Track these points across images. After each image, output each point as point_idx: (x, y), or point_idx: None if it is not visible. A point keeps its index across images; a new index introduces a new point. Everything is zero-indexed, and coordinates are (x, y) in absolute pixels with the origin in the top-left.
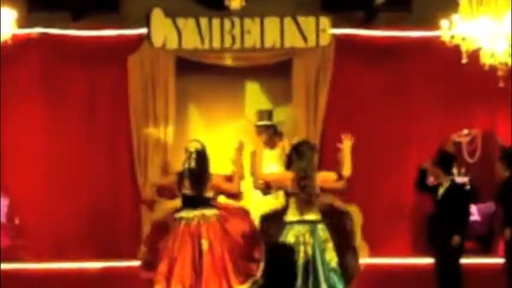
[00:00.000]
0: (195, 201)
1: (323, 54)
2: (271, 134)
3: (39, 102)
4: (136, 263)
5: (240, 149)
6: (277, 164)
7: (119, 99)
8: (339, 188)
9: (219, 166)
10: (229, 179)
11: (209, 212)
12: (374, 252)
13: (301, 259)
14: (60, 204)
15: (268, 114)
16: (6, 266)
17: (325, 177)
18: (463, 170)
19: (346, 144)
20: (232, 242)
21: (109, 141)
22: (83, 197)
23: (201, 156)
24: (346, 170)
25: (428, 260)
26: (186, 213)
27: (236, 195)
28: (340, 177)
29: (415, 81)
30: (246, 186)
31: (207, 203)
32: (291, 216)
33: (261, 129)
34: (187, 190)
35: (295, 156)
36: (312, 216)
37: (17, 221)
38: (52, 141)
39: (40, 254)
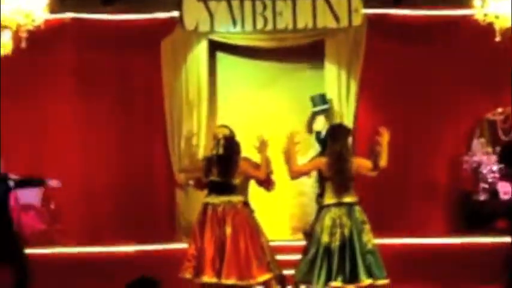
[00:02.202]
0: (222, 187)
1: (355, 34)
2: (327, 117)
3: (73, 88)
4: (171, 246)
5: (263, 144)
6: None
7: (152, 83)
8: (370, 176)
9: (249, 150)
10: (257, 166)
11: (236, 198)
12: (409, 232)
13: (338, 241)
14: (95, 189)
15: (323, 98)
16: (42, 250)
17: (361, 164)
18: (498, 149)
19: (384, 137)
20: (258, 230)
21: (143, 126)
22: (117, 181)
23: (230, 143)
24: (383, 162)
25: (464, 240)
26: (212, 199)
27: (267, 183)
28: (375, 167)
29: (448, 60)
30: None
31: (234, 189)
32: (328, 199)
33: (318, 114)
34: (214, 177)
35: (331, 139)
36: (348, 198)
37: (52, 206)
38: (86, 126)
39: (75, 238)
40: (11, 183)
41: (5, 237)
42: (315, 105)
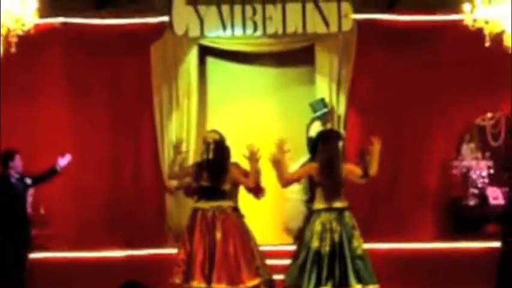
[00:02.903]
0: (212, 192)
1: (345, 39)
2: (328, 119)
3: (63, 91)
4: (160, 251)
5: (253, 154)
6: None
7: (142, 88)
8: (359, 183)
9: (239, 156)
10: (247, 173)
11: (225, 203)
12: (399, 237)
13: (327, 246)
14: (85, 194)
15: (322, 102)
16: (31, 255)
17: (351, 170)
18: (487, 154)
19: (376, 146)
20: (248, 235)
21: (133, 130)
22: (107, 186)
23: (220, 148)
24: (373, 170)
25: (454, 244)
26: (202, 204)
27: (256, 191)
28: (365, 174)
29: (438, 65)
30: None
31: (223, 194)
32: (318, 204)
33: (320, 119)
34: (204, 182)
35: (321, 145)
36: (339, 203)
37: (42, 211)
38: (76, 130)
39: (65, 243)
40: (28, 181)
41: (23, 234)
42: (315, 110)
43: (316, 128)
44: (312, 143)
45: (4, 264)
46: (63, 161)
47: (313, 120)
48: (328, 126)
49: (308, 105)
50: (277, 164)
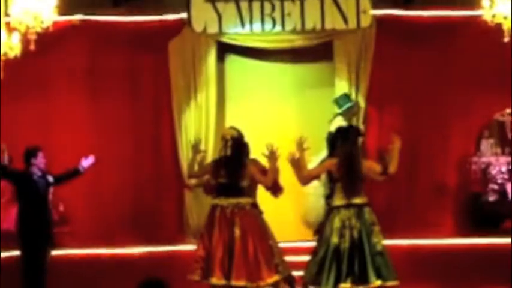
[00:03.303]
0: (230, 189)
1: (364, 35)
2: (354, 113)
3: (82, 89)
4: (179, 247)
5: (272, 154)
6: None
7: (160, 85)
8: (378, 180)
9: (258, 153)
10: (265, 171)
11: (244, 200)
12: (418, 233)
13: (347, 243)
14: (104, 190)
15: (347, 97)
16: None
17: (370, 167)
18: (507, 150)
19: (396, 145)
20: (267, 232)
21: (152, 127)
22: (126, 182)
23: (238, 144)
24: (392, 168)
25: (473, 241)
26: (221, 201)
27: (274, 189)
28: (384, 172)
29: (457, 60)
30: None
31: (242, 191)
32: (338, 200)
33: (345, 114)
34: (223, 179)
35: (341, 140)
36: (358, 199)
37: (61, 208)
38: (96, 127)
39: (84, 240)
40: (51, 179)
41: (45, 231)
42: (340, 106)
43: (337, 123)
44: (331, 139)
45: (26, 261)
46: (87, 162)
47: (337, 115)
48: (353, 121)
49: (332, 101)
50: (297, 162)
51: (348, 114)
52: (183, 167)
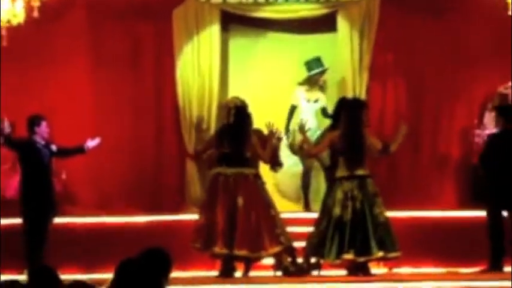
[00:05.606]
0: (233, 158)
1: (368, 6)
2: (317, 81)
3: (85, 58)
4: (181, 216)
5: (271, 133)
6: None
7: (163, 54)
8: (377, 156)
9: (261, 124)
10: (265, 145)
11: (247, 170)
12: (420, 205)
13: (349, 214)
14: (106, 159)
15: (319, 61)
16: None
17: (372, 143)
18: None
19: (403, 128)
20: (270, 202)
21: (154, 96)
22: (128, 151)
23: (241, 112)
24: (393, 147)
25: (475, 213)
26: (224, 170)
27: (271, 164)
28: (384, 150)
29: (462, 32)
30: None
31: (245, 161)
32: (340, 172)
33: (317, 77)
34: (226, 148)
35: (345, 113)
36: (361, 171)
37: (63, 176)
38: (98, 96)
39: (86, 208)
40: (54, 148)
41: (48, 199)
42: (311, 69)
43: (298, 94)
44: (335, 111)
45: (28, 229)
46: (92, 143)
47: (307, 77)
48: (315, 89)
49: (303, 64)
50: (302, 143)
51: (313, 79)
52: (185, 137)
